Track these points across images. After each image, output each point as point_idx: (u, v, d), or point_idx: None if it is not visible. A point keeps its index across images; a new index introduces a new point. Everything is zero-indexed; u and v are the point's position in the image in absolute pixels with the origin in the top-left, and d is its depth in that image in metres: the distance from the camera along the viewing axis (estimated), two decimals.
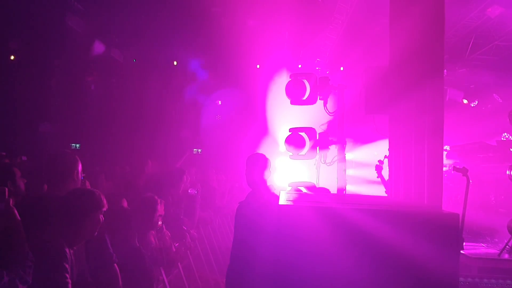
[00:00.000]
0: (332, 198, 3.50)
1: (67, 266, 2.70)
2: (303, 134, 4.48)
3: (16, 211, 2.42)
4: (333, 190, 4.52)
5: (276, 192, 4.15)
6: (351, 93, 4.65)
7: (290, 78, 4.40)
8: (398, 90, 3.60)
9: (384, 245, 2.43)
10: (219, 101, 14.84)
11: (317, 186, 4.61)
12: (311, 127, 4.57)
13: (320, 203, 2.90)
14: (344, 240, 2.50)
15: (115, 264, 3.42)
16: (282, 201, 2.84)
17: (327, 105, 4.46)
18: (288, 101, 4.60)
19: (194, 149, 14.39)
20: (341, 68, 11.89)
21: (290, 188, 4.27)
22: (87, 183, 4.06)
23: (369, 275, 2.45)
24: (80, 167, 3.39)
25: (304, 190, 4.19)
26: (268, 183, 4.23)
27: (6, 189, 2.39)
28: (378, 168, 6.03)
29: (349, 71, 11.35)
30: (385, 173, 5.35)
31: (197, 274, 6.10)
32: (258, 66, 13.08)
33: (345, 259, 2.48)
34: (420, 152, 3.30)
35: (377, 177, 6.00)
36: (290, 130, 4.51)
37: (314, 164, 5.14)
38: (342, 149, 4.47)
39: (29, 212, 2.67)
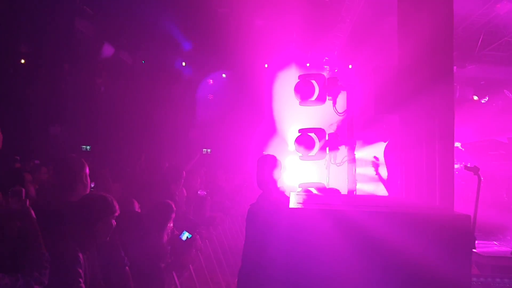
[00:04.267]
0: (343, 200, 3.50)
1: (80, 271, 2.73)
2: (312, 135, 4.48)
3: (32, 211, 2.45)
4: (344, 190, 4.51)
5: (287, 193, 4.15)
6: (361, 92, 4.64)
7: (298, 79, 4.40)
8: (409, 90, 3.59)
9: (395, 247, 2.42)
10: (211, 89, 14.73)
11: (327, 187, 4.61)
12: (321, 128, 4.57)
13: (331, 206, 2.90)
14: (355, 242, 2.50)
15: (126, 268, 3.44)
16: (293, 203, 2.84)
17: (336, 105, 4.45)
18: (297, 101, 4.60)
19: (204, 149, 14.44)
20: (350, 66, 11.84)
21: (300, 189, 4.27)
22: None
23: (380, 277, 2.44)
24: (87, 170, 3.40)
25: (314, 191, 4.19)
26: (279, 184, 4.23)
27: (23, 189, 2.43)
28: (376, 165, 5.58)
29: (358, 70, 11.30)
30: (382, 171, 5.30)
31: (208, 276, 6.12)
32: (266, 66, 13.08)
33: (356, 262, 2.47)
34: (432, 152, 3.29)
35: (375, 174, 5.66)
36: (300, 131, 4.51)
37: (324, 164, 5.13)
38: (352, 149, 4.46)
39: (41, 217, 2.69)
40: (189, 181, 7.34)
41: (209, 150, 14.24)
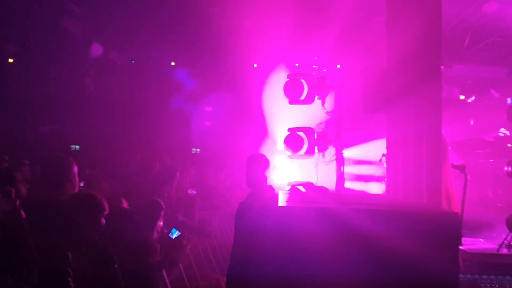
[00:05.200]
0: (331, 198, 3.53)
1: (69, 269, 2.74)
2: (301, 134, 4.50)
3: (22, 212, 2.46)
4: (332, 188, 4.55)
5: (276, 192, 4.18)
6: (349, 91, 4.68)
7: (287, 78, 4.43)
8: (396, 90, 3.63)
9: (383, 245, 2.45)
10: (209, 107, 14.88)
11: (316, 185, 4.65)
12: (310, 127, 4.60)
13: (319, 204, 2.93)
14: (344, 240, 2.52)
15: (116, 265, 3.44)
16: (281, 202, 2.87)
17: (325, 105, 4.49)
18: (286, 100, 4.63)
19: (193, 149, 14.42)
20: (338, 66, 11.91)
21: (289, 187, 4.30)
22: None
23: (369, 275, 2.47)
24: (76, 169, 3.40)
25: (302, 189, 4.22)
26: (268, 183, 4.27)
27: (13, 190, 2.44)
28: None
29: (347, 69, 11.39)
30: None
31: (198, 273, 6.14)
32: (255, 65, 13.11)
33: (345, 260, 2.50)
34: (419, 151, 3.33)
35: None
36: (289, 130, 4.54)
37: (312, 163, 5.17)
38: (340, 148, 4.49)
39: (30, 216, 2.69)
40: (178, 181, 7.35)
41: (198, 150, 14.23)
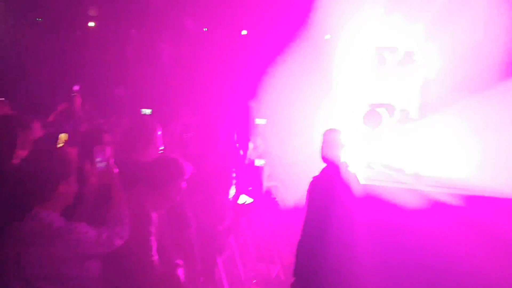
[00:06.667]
0: (414, 179, 3.39)
1: (152, 230, 2.84)
2: (381, 110, 4.33)
3: (116, 170, 2.55)
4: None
5: (351, 169, 4.07)
6: (435, 68, 4.42)
7: (374, 51, 4.25)
8: (492, 69, 3.37)
9: (473, 227, 2.34)
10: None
11: (393, 164, 4.47)
12: (390, 104, 4.40)
13: (402, 184, 2.83)
14: (431, 222, 2.43)
15: (192, 228, 3.52)
16: (363, 179, 2.79)
17: (410, 81, 4.27)
18: (367, 74, 4.46)
19: (257, 119, 14.34)
20: (426, 41, 11.23)
21: (367, 165, 4.18)
22: None
23: (455, 258, 2.37)
24: (159, 133, 3.45)
25: (381, 168, 4.08)
26: (343, 160, 4.16)
27: (107, 148, 2.53)
28: None
29: (436, 42, 10.70)
30: None
31: (260, 243, 6.21)
32: (327, 37, 12.67)
33: (430, 242, 2.41)
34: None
35: None
36: (368, 105, 4.39)
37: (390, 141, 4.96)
38: (423, 127, 4.28)
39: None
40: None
41: (265, 120, 14.17)
